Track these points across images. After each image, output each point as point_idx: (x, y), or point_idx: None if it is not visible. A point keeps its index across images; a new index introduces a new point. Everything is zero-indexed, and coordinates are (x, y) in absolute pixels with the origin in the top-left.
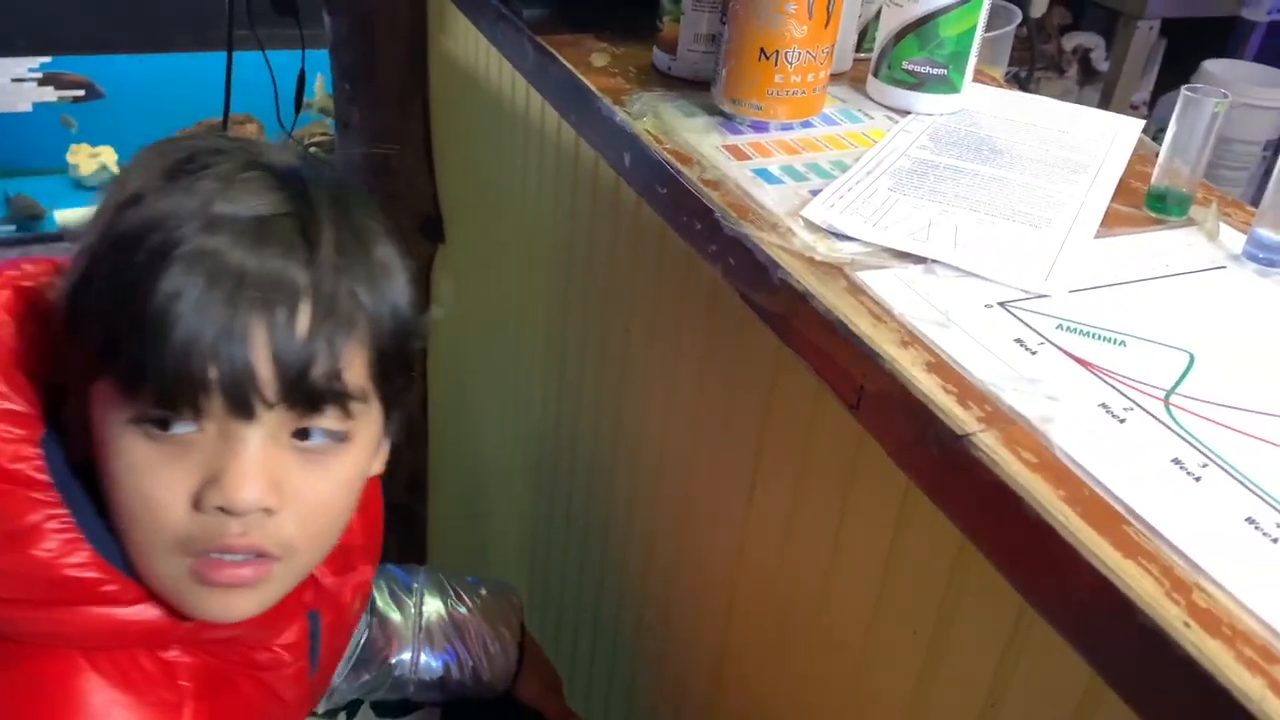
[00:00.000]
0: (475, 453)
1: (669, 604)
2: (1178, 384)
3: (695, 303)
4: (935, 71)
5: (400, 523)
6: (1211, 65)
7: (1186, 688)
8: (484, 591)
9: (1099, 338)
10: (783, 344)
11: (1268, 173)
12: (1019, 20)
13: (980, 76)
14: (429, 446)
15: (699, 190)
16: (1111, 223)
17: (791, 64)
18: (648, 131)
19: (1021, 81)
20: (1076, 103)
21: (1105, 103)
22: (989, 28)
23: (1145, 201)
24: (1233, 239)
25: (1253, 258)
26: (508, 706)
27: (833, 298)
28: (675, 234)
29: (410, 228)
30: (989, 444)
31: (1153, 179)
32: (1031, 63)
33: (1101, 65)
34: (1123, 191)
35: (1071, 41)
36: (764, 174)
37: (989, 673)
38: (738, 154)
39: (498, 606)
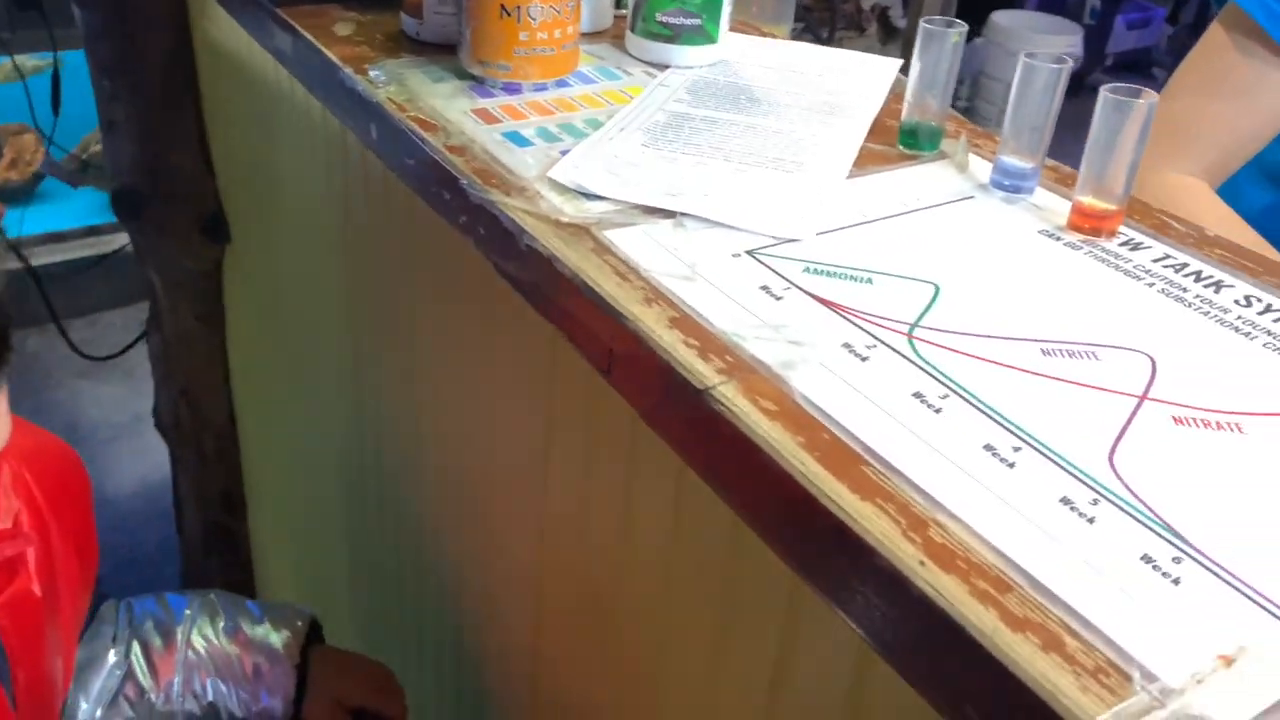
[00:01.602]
0: (288, 464)
1: (483, 600)
2: (921, 317)
3: (471, 284)
4: (689, 22)
5: (221, 543)
6: (999, 16)
7: (926, 628)
8: (262, 615)
9: (846, 277)
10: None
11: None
12: None
13: (765, 35)
14: (241, 461)
15: (444, 158)
16: (865, 162)
17: (535, 20)
18: (391, 100)
19: (824, 42)
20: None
21: (906, 57)
22: None
23: (898, 139)
24: (983, 169)
25: (999, 185)
26: None
27: (578, 260)
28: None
29: (192, 229)
30: (728, 396)
31: (903, 115)
32: (832, 23)
33: (900, 22)
34: (878, 131)
35: (869, 0)
36: (514, 137)
37: (773, 640)
38: (487, 118)
39: (276, 631)
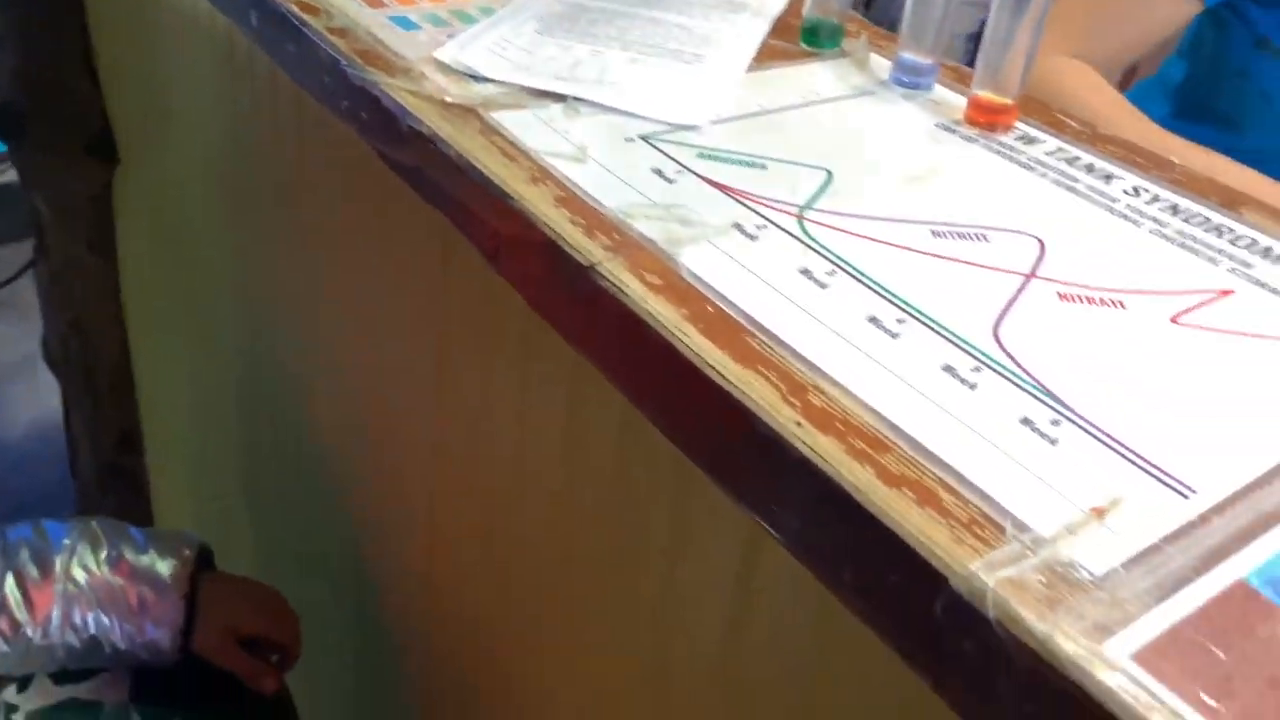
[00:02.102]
0: (185, 395)
1: (377, 516)
2: (812, 200)
3: (360, 179)
4: None
5: (118, 482)
6: None
7: (804, 489)
8: (147, 543)
9: (740, 163)
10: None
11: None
12: None
13: None
14: (137, 400)
15: (324, 40)
16: (767, 58)
17: None
18: None
19: None
20: None
21: None
22: None
23: (800, 36)
24: (884, 68)
25: (899, 82)
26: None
27: (463, 140)
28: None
29: (79, 148)
30: (613, 271)
31: (804, 12)
32: None
33: None
34: (781, 29)
35: None
36: (402, 21)
37: (665, 526)
38: (373, 2)
39: (163, 559)
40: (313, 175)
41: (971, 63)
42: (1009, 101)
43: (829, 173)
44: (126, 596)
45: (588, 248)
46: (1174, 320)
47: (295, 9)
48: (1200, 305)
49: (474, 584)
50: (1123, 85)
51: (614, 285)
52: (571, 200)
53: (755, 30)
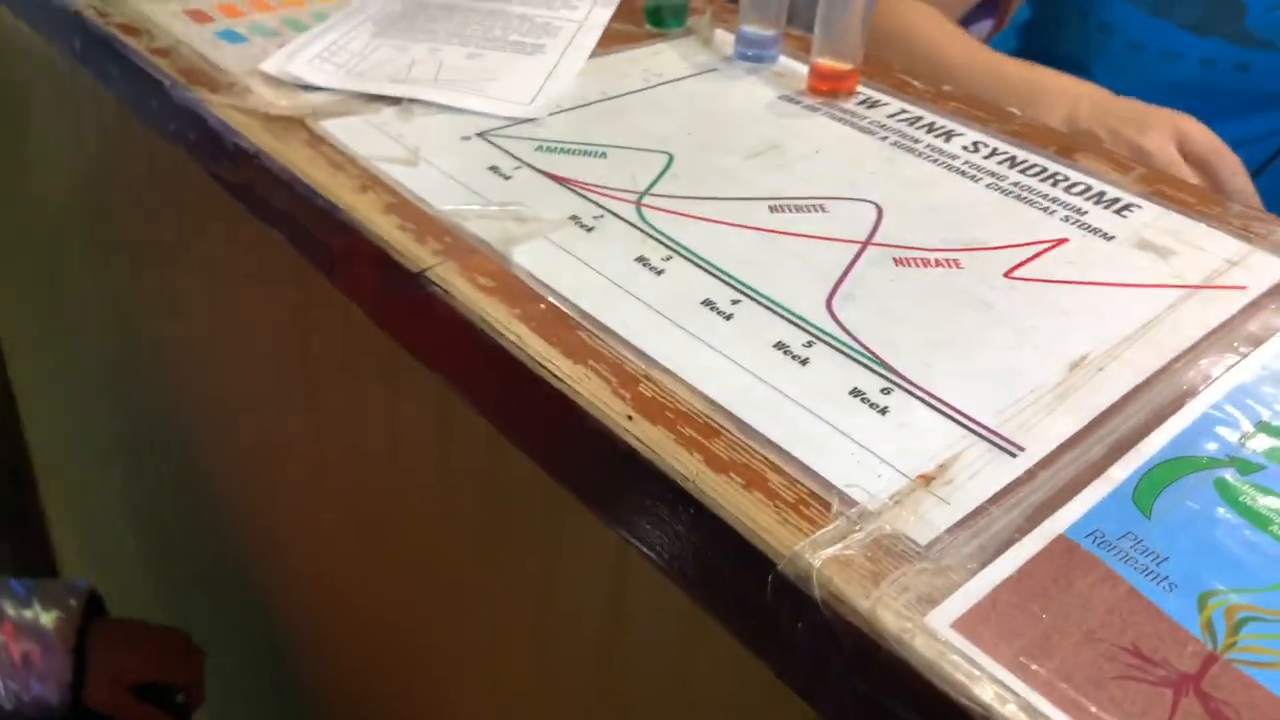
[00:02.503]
0: (70, 431)
1: (265, 543)
2: (652, 185)
3: (203, 202)
4: None
5: (11, 526)
6: None
7: (638, 482)
8: (29, 595)
9: (580, 153)
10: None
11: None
12: None
13: None
14: (24, 436)
15: (146, 62)
16: (611, 42)
17: None
18: (92, 7)
19: None
20: None
21: None
22: None
23: (645, 17)
24: (729, 43)
25: (743, 56)
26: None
27: (288, 153)
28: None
29: None
30: (443, 276)
31: None
32: None
33: None
34: (625, 11)
35: None
36: (228, 35)
37: (538, 535)
38: (200, 18)
39: (46, 611)
40: (159, 200)
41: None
42: (849, 67)
43: (670, 156)
44: (9, 654)
45: (417, 254)
46: (1008, 275)
47: (117, 31)
48: (1035, 257)
49: (363, 612)
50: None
51: (443, 290)
52: (402, 206)
53: (599, 16)
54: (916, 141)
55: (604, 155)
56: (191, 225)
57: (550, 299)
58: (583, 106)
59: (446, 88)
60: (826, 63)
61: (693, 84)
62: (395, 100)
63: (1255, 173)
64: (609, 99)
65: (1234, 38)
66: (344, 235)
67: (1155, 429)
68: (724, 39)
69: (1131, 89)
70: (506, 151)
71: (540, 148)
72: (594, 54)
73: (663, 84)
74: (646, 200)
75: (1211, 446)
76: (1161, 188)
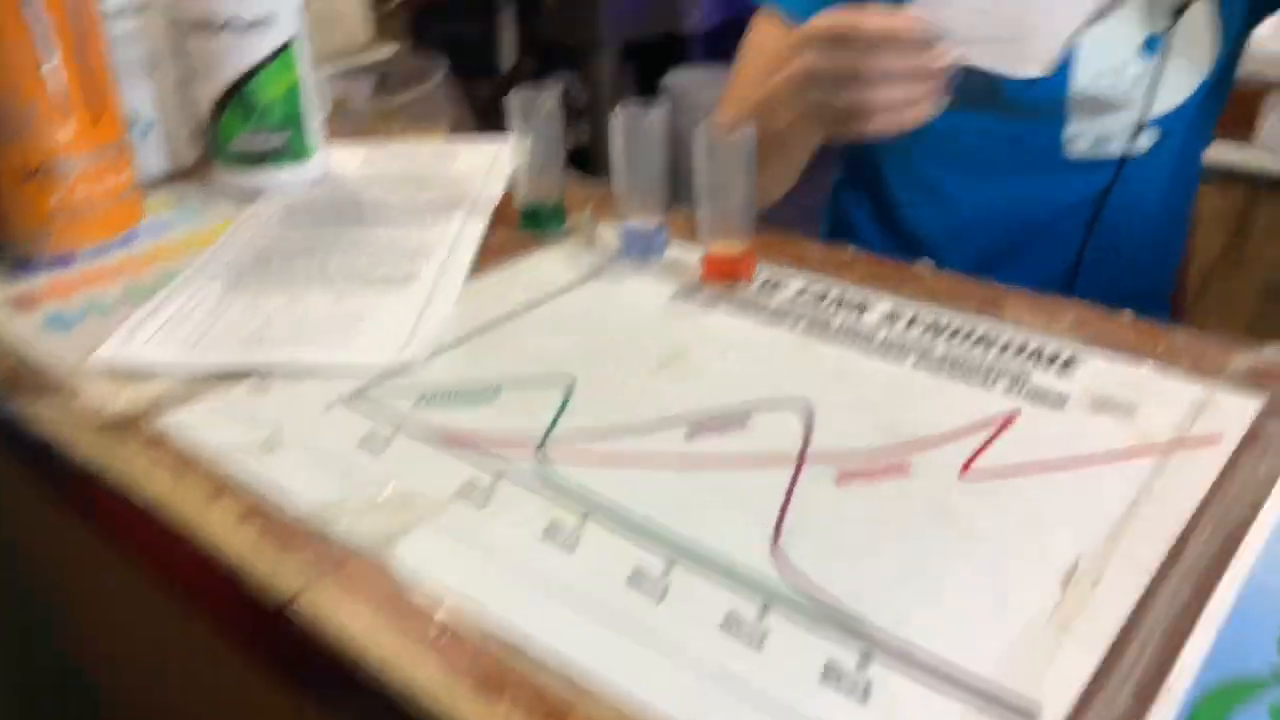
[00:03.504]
0: None
1: None
2: (553, 425)
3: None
4: (274, 142)
5: None
6: (671, 77)
7: None
8: None
9: (467, 399)
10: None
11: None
12: (441, 74)
13: (423, 136)
14: None
15: None
16: (490, 257)
17: (69, 175)
18: None
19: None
20: (571, 138)
21: (596, 132)
22: (407, 85)
23: (520, 223)
24: (613, 238)
25: (629, 253)
26: None
27: (123, 465)
28: None
29: None
30: (314, 605)
31: (518, 197)
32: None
33: (581, 100)
34: (500, 218)
35: (548, 84)
36: (57, 321)
37: None
38: (27, 304)
39: None
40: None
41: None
42: (742, 249)
43: (569, 383)
44: None
45: (277, 580)
46: (965, 474)
47: None
48: (988, 444)
49: None
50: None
51: (313, 623)
52: (259, 512)
53: (472, 229)
54: (829, 324)
55: (496, 395)
56: (52, 559)
57: (444, 614)
58: (466, 339)
59: (307, 345)
60: (717, 249)
61: (582, 291)
62: (248, 373)
63: (1083, 239)
64: (495, 324)
65: (1001, 109)
66: (192, 559)
67: (1182, 647)
68: (608, 234)
69: (930, 166)
70: (381, 416)
71: (422, 400)
72: (472, 274)
73: (551, 297)
74: (549, 446)
75: (1254, 659)
76: (1096, 330)
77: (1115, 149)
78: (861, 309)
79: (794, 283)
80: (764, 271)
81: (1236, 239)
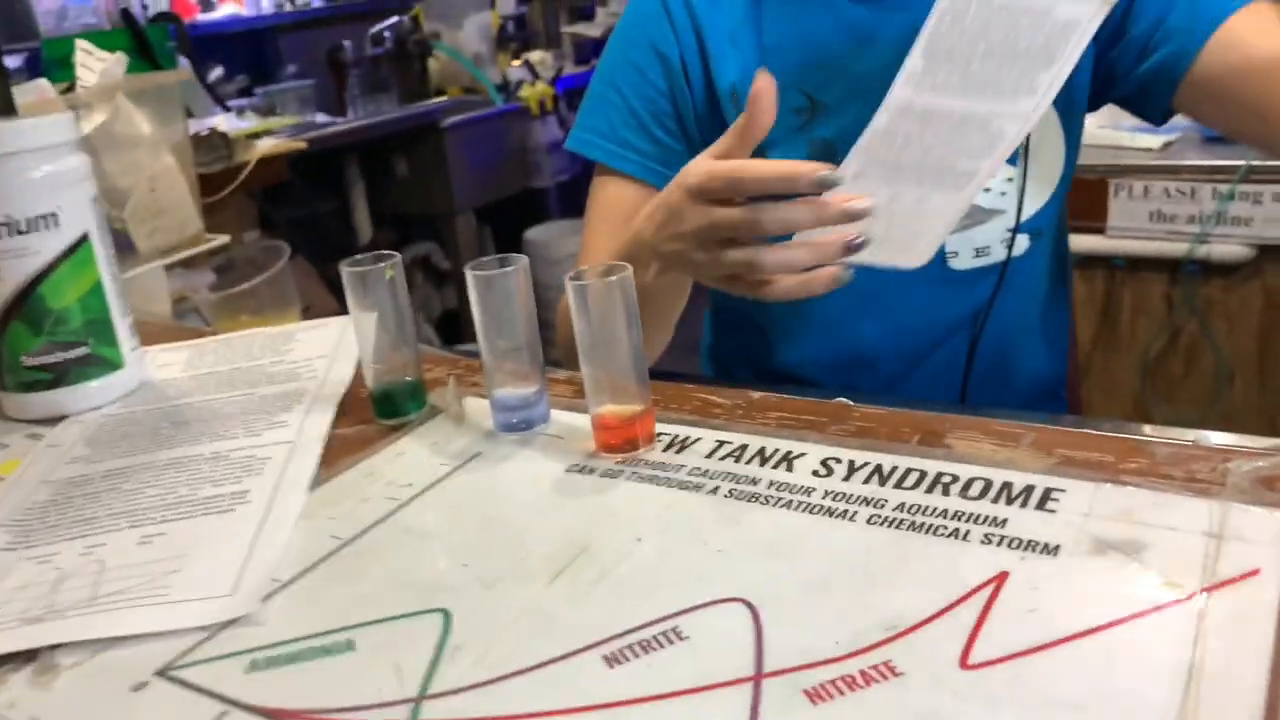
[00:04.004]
0: None
1: None
2: (430, 677)
3: None
4: (74, 355)
5: None
6: (531, 233)
7: None
8: None
9: (314, 655)
10: None
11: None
12: (285, 257)
13: (273, 323)
14: None
15: None
16: (341, 454)
17: None
18: None
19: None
20: (439, 304)
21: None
22: (252, 272)
23: (373, 411)
24: (484, 413)
25: (507, 427)
26: None
27: None
28: None
29: None
30: None
31: (368, 381)
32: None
33: (444, 265)
34: (352, 409)
35: (409, 253)
36: None
37: None
38: None
39: None
40: None
41: None
42: (638, 408)
43: (445, 615)
44: None
45: None
46: (965, 664)
47: None
48: (983, 619)
49: None
50: None
51: None
52: None
53: (314, 427)
54: (755, 482)
55: (350, 647)
56: None
57: None
58: (311, 570)
59: (107, 607)
60: (608, 411)
61: (454, 483)
62: (31, 654)
63: (969, 350)
64: (347, 544)
65: None
66: None
67: None
68: (478, 409)
69: (813, 300)
70: (202, 689)
71: (254, 665)
72: (317, 481)
73: (416, 496)
74: (426, 710)
75: None
76: (1065, 452)
77: (995, 257)
78: (788, 461)
79: (704, 437)
80: (665, 428)
81: (1107, 321)
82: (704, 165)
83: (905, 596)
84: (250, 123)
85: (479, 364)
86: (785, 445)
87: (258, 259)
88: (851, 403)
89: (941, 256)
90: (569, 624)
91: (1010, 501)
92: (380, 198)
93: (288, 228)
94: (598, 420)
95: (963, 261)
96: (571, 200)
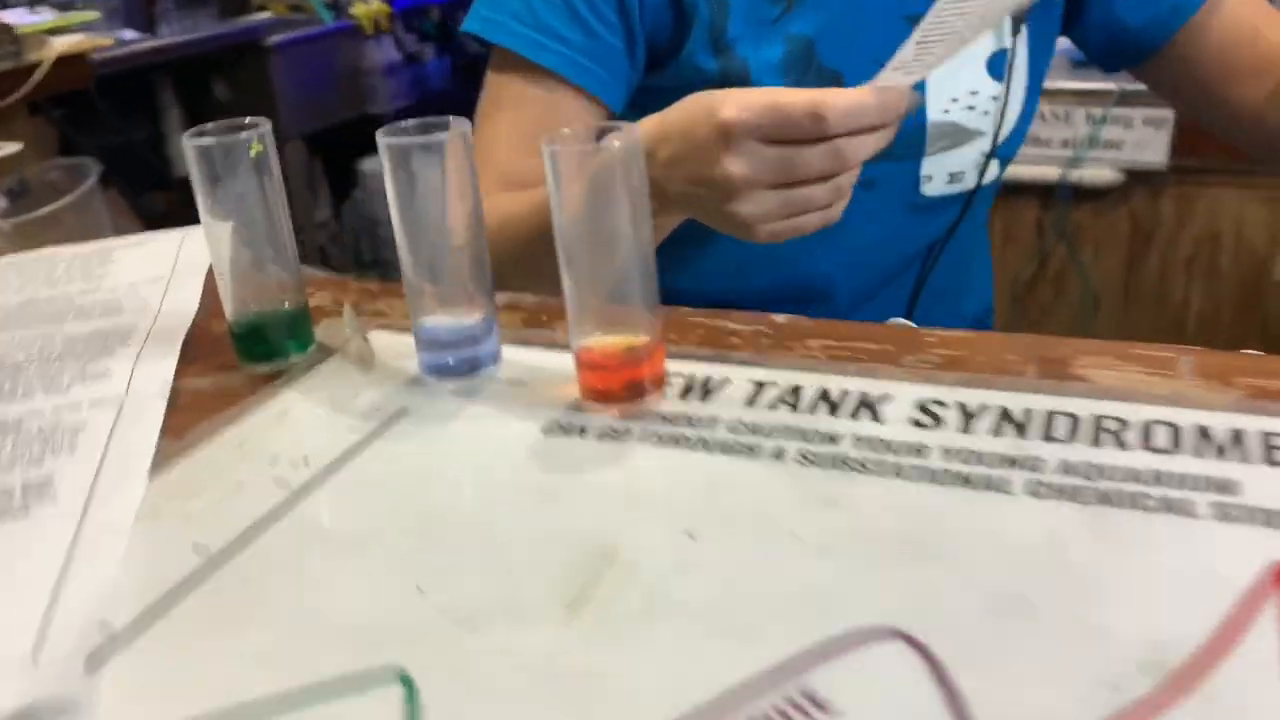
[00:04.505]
0: None
1: None
2: None
3: None
4: None
5: None
6: (367, 163)
7: None
8: None
9: None
10: None
11: None
12: (93, 179)
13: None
14: None
15: None
16: (193, 417)
17: None
18: None
19: None
20: None
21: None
22: (46, 200)
23: (236, 353)
24: (397, 350)
25: (439, 370)
26: None
27: None
28: None
29: None
30: None
31: (228, 313)
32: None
33: None
34: (204, 351)
35: None
36: None
37: None
38: None
39: None
40: None
41: None
42: (645, 340)
43: (405, 681)
44: None
45: None
46: None
47: None
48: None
49: None
50: None
51: None
52: None
53: (150, 379)
54: (834, 440)
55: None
56: None
57: None
58: (164, 608)
59: None
60: (595, 343)
61: (375, 458)
62: None
63: (919, 277)
64: (218, 560)
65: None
66: None
67: None
68: (391, 346)
69: None
70: None
71: None
72: (162, 461)
73: (318, 479)
74: None
75: None
76: (1248, 381)
77: (965, 184)
78: (871, 408)
79: (733, 380)
80: (675, 369)
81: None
82: (756, 97)
83: (1147, 612)
84: (46, 17)
85: (380, 288)
86: (855, 385)
87: (59, 182)
88: (912, 323)
89: (915, 180)
90: (616, 690)
91: (1221, 454)
92: (198, 124)
93: (96, 157)
94: (584, 357)
95: (935, 187)
96: None
